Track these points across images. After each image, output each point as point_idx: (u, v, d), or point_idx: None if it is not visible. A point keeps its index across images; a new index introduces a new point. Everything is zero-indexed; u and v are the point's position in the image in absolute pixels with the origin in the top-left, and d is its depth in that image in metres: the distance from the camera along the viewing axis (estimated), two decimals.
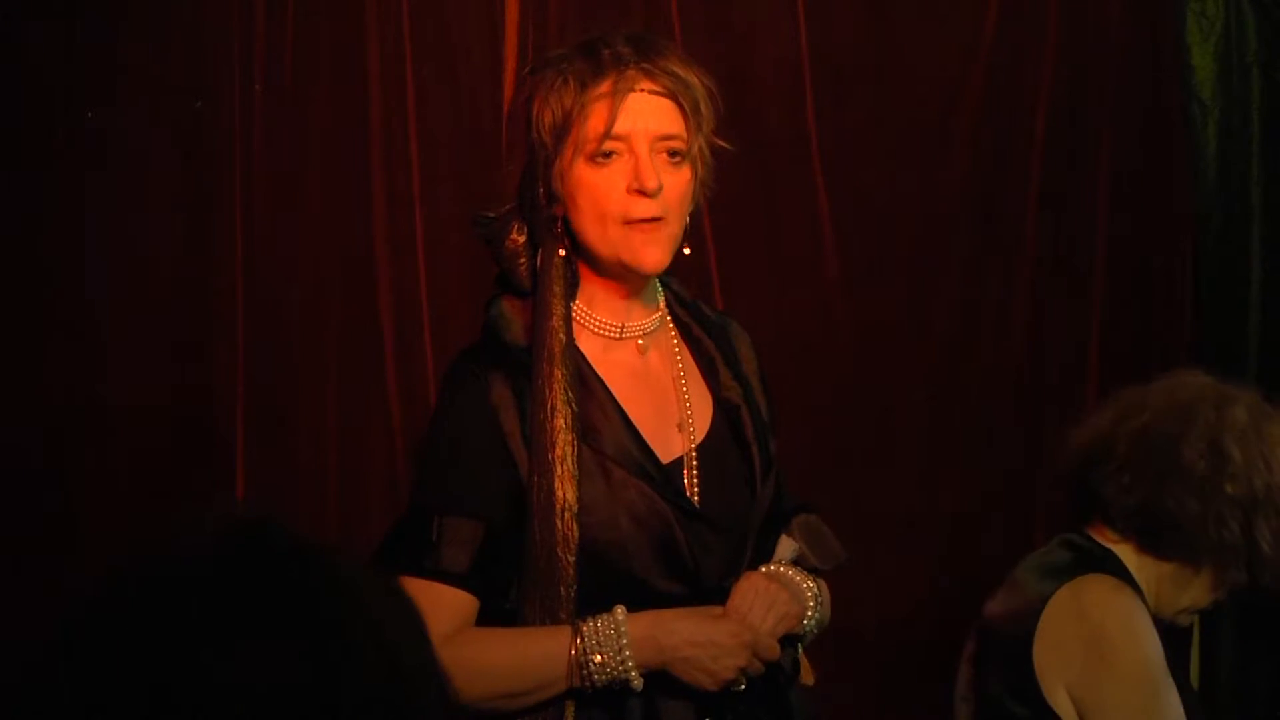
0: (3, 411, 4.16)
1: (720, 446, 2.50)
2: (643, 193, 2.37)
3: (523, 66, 4.25)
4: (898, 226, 4.59)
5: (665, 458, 2.44)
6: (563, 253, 2.43)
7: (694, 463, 2.46)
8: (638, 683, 2.33)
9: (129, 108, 4.22)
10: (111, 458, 4.21)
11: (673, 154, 2.41)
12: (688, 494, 2.44)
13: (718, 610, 2.39)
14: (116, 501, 4.16)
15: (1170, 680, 2.80)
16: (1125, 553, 2.90)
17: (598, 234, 2.40)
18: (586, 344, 2.45)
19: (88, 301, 4.21)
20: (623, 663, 2.32)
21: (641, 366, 2.49)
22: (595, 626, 2.33)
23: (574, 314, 2.44)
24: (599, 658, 2.32)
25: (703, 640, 2.35)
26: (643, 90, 2.38)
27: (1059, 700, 2.79)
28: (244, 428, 4.28)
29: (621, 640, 2.32)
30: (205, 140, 4.28)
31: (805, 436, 4.03)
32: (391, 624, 1.20)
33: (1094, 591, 2.81)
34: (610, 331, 2.47)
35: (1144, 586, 2.88)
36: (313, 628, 1.15)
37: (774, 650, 2.41)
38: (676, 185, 2.41)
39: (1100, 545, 2.91)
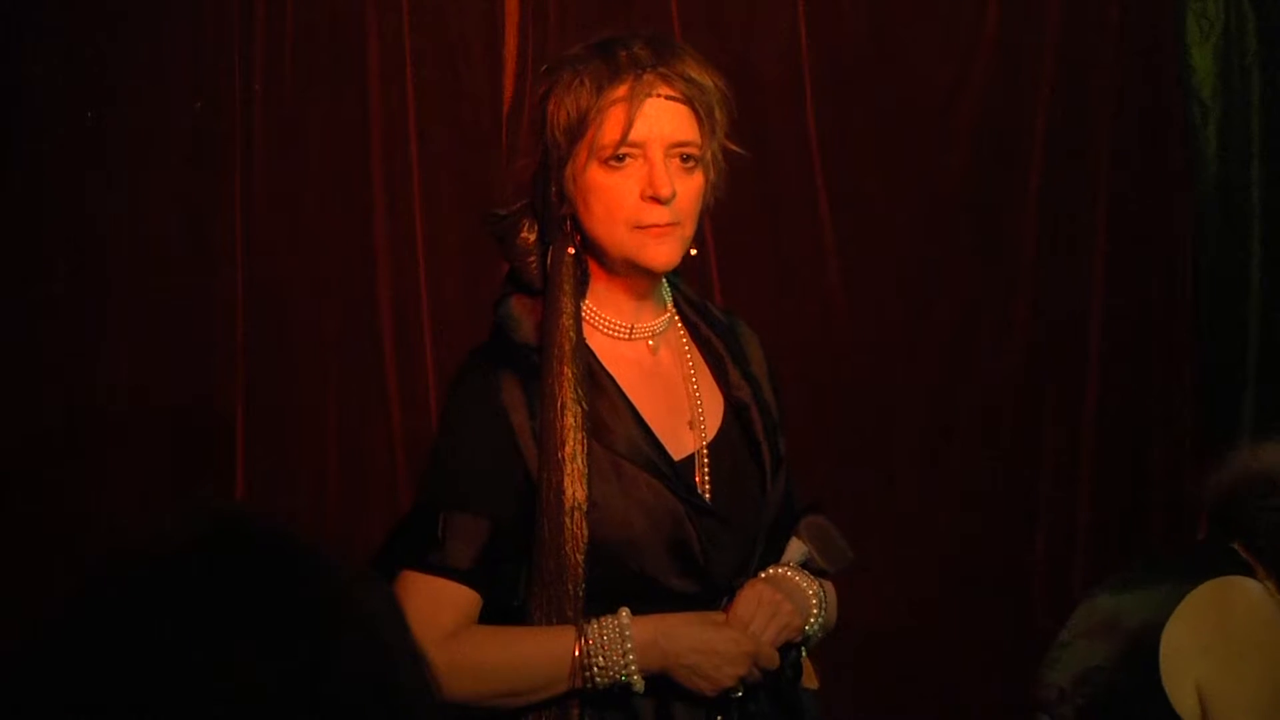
0: (3, 411, 4.16)
1: (731, 445, 2.50)
2: (656, 200, 2.37)
3: (538, 65, 4.25)
4: (898, 227, 4.59)
5: (677, 455, 2.44)
6: (572, 251, 2.43)
7: (705, 460, 2.46)
8: (639, 686, 2.34)
9: (129, 108, 4.23)
10: (111, 458, 4.21)
11: (686, 159, 2.40)
12: (699, 491, 2.44)
13: (720, 617, 2.40)
14: (116, 501, 4.16)
15: None
16: (1260, 578, 2.97)
17: (607, 235, 2.40)
18: (596, 343, 2.45)
19: (88, 302, 4.22)
20: (626, 666, 2.32)
21: (652, 363, 2.49)
22: (599, 629, 2.33)
23: (584, 313, 2.44)
24: (602, 660, 2.32)
25: (705, 648, 2.35)
26: (659, 96, 2.37)
27: (1182, 689, 2.83)
28: (244, 428, 4.28)
29: (626, 645, 2.32)
30: (205, 140, 4.28)
31: (805, 437, 4.03)
32: (377, 618, 1.19)
33: (1245, 590, 2.88)
34: (619, 332, 2.47)
35: None
36: (298, 623, 1.14)
37: (774, 660, 2.41)
38: (689, 191, 2.40)
39: (1241, 558, 2.97)
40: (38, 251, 4.21)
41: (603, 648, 2.32)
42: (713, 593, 2.42)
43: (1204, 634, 2.84)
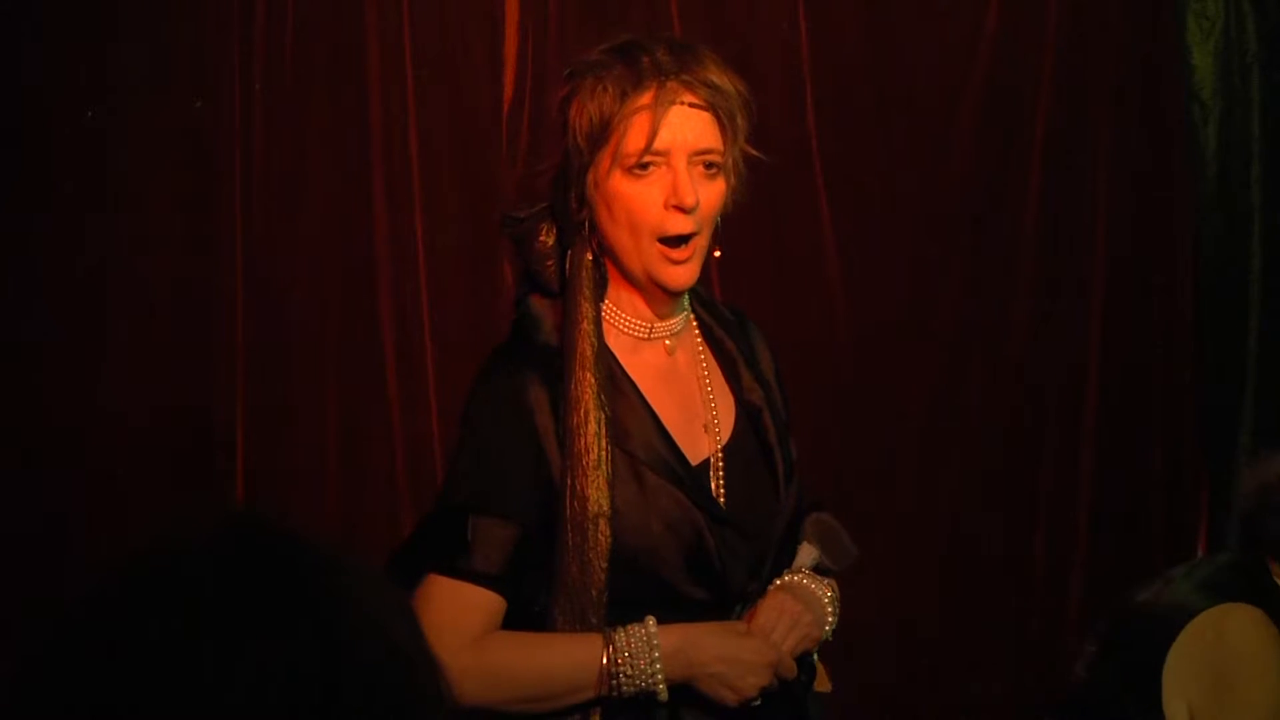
0: (3, 412, 4.16)
1: (745, 448, 2.49)
2: (680, 209, 2.36)
3: (538, 65, 4.26)
4: (898, 226, 4.59)
5: (693, 459, 2.43)
6: (591, 255, 2.41)
7: (720, 464, 2.46)
8: (664, 695, 2.34)
9: (129, 108, 4.22)
10: (111, 458, 4.20)
11: (709, 166, 2.39)
12: (715, 496, 2.44)
13: (742, 627, 2.40)
14: (116, 501, 4.15)
15: None
16: None
17: (630, 246, 2.38)
18: (615, 343, 2.44)
19: (87, 302, 4.21)
20: (653, 675, 2.32)
21: (669, 367, 2.48)
22: (627, 637, 2.32)
23: (603, 313, 2.43)
24: (630, 669, 2.31)
25: (730, 657, 2.35)
26: (683, 103, 2.35)
27: (1175, 708, 2.88)
28: (244, 428, 4.28)
29: (654, 653, 2.32)
30: (205, 140, 4.27)
31: (805, 437, 4.02)
32: (390, 621, 1.18)
33: (1241, 621, 2.92)
34: (639, 331, 2.46)
35: None
36: (310, 625, 1.13)
37: (793, 670, 2.42)
38: (710, 199, 2.40)
39: (1270, 578, 3.01)
40: (37, 251, 4.20)
41: (631, 656, 2.31)
42: (726, 599, 2.43)
43: (1196, 661, 2.90)
